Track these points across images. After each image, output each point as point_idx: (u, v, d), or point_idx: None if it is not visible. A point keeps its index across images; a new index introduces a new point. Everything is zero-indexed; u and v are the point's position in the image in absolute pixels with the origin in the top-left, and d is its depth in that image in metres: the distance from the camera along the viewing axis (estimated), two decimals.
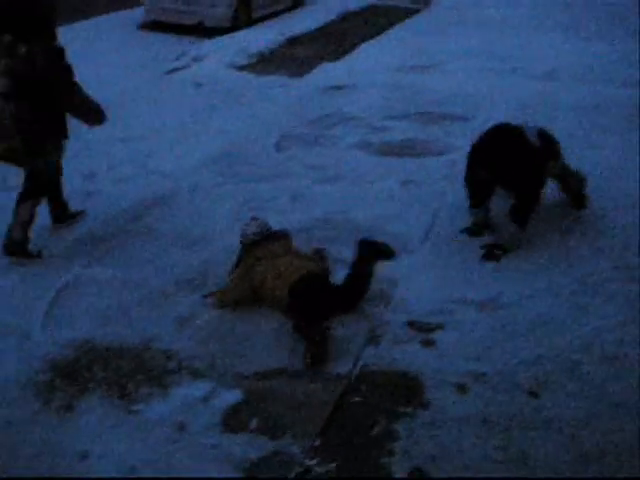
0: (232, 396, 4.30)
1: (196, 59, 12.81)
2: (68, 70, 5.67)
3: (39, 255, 5.88)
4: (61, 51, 5.63)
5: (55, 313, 5.18)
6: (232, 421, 4.11)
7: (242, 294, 5.23)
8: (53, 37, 5.69)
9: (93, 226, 6.39)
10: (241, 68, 12.17)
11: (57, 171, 6.14)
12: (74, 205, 6.52)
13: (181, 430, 4.06)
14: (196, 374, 4.50)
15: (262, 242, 5.41)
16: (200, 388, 4.38)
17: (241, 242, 5.54)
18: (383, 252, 5.45)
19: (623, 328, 4.84)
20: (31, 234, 5.87)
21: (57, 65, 5.57)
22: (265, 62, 12.74)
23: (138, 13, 16.31)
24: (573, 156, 6.63)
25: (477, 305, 5.12)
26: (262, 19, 16.64)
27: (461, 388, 4.28)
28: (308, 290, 4.95)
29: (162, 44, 14.70)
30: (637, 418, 4.06)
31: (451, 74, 11.33)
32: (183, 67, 12.33)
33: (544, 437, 3.92)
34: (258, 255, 5.30)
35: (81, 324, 5.05)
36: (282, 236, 5.59)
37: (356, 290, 5.13)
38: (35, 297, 5.34)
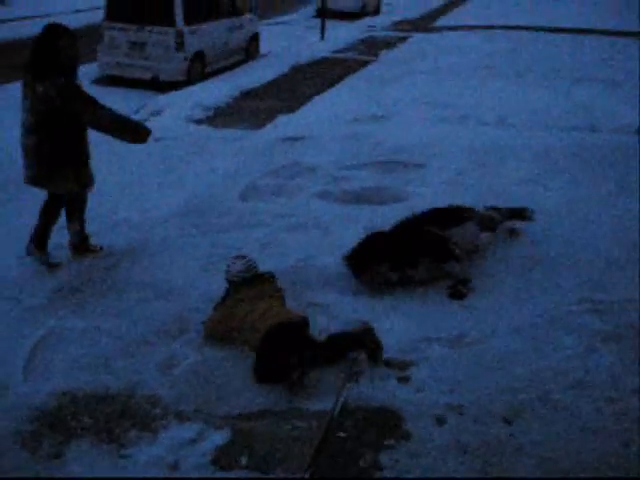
0: (220, 436, 4.42)
1: (154, 113, 13.02)
2: (87, 100, 6.26)
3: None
4: (76, 87, 6.26)
5: (35, 364, 5.25)
6: (223, 460, 4.24)
7: (223, 332, 5.41)
8: (71, 75, 6.32)
9: (67, 278, 6.49)
10: (199, 122, 12.40)
11: (76, 198, 6.78)
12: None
13: (173, 470, 4.18)
14: (182, 417, 4.62)
15: (251, 283, 5.57)
16: (188, 430, 4.49)
17: (227, 280, 5.70)
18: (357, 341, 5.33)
19: (587, 357, 5.11)
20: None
21: (74, 99, 6.19)
22: (222, 115, 12.98)
23: (91, 68, 16.45)
24: (526, 198, 6.95)
25: (446, 342, 5.35)
26: (215, 73, 16.98)
27: (439, 419, 4.49)
28: (282, 338, 5.06)
29: (118, 99, 14.79)
30: (606, 439, 4.30)
31: (404, 123, 11.67)
32: (143, 121, 12.48)
33: (520, 461, 4.14)
34: (246, 296, 5.46)
35: (62, 374, 5.13)
36: (268, 278, 5.77)
37: (333, 354, 5.20)
38: (13, 349, 5.41)
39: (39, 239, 6.75)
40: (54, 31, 6.26)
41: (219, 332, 5.45)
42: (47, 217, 6.78)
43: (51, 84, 6.06)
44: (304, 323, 5.35)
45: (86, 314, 5.91)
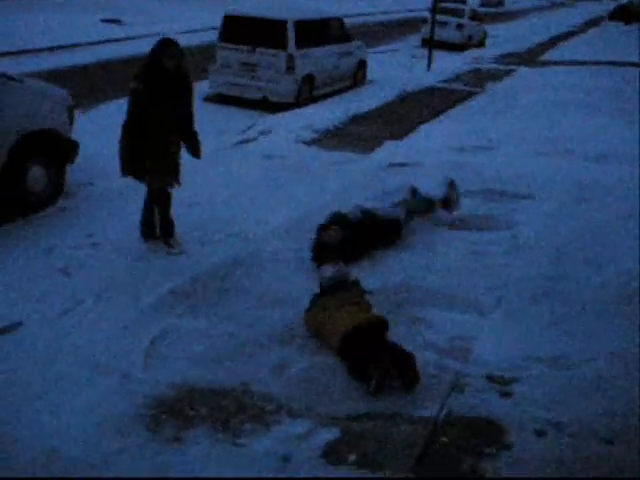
0: (330, 434, 4.67)
1: (263, 132, 13.38)
2: (128, 113, 7.06)
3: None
4: (135, 95, 6.96)
5: (153, 357, 5.58)
6: (332, 455, 4.48)
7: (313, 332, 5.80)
8: (156, 79, 6.94)
9: (182, 282, 6.83)
10: (308, 143, 12.71)
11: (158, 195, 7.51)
12: (160, 263, 7.16)
13: (285, 462, 4.43)
14: (294, 414, 4.88)
15: (337, 290, 5.90)
16: (299, 426, 4.75)
17: (320, 284, 6.04)
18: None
19: None
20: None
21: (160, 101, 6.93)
22: (330, 138, 13.28)
23: (203, 86, 16.96)
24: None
25: (547, 362, 5.52)
26: (323, 96, 17.31)
27: (540, 434, 4.66)
28: (360, 339, 5.37)
29: (228, 116, 15.37)
30: None
31: (509, 155, 11.81)
32: (252, 139, 12.90)
33: None
34: (329, 303, 5.77)
35: (179, 367, 5.43)
36: (354, 285, 6.08)
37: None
38: (133, 342, 5.76)
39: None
40: (160, 42, 6.95)
41: (314, 333, 5.80)
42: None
43: (139, 85, 6.88)
44: (381, 324, 5.61)
45: (200, 315, 6.22)
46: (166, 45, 6.90)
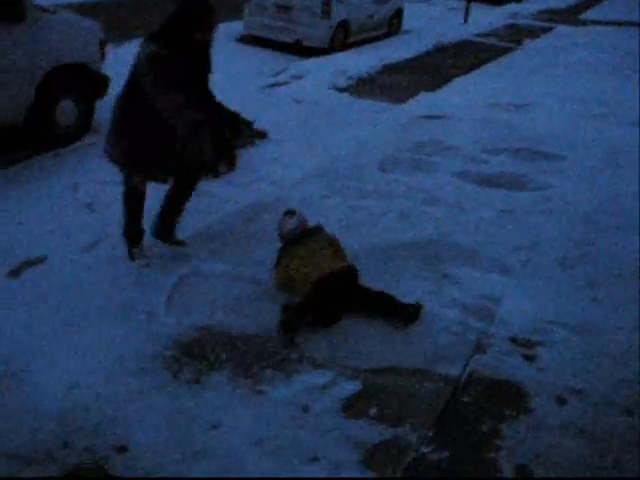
0: (351, 386, 4.66)
1: (296, 77, 13.32)
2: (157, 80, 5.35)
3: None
4: (161, 61, 5.30)
5: (176, 299, 5.58)
6: (352, 408, 4.47)
7: (286, 287, 5.71)
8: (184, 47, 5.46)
9: (207, 224, 6.82)
10: (341, 90, 12.63)
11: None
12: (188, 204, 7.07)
13: (304, 411, 4.42)
14: (316, 364, 4.88)
15: (301, 239, 5.75)
16: (321, 376, 4.74)
17: (279, 236, 5.92)
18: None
19: None
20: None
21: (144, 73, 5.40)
22: (364, 86, 13.18)
23: (236, 26, 16.84)
24: None
25: (572, 328, 5.46)
26: (358, 43, 17.15)
27: (560, 400, 4.63)
28: (332, 286, 5.38)
29: (261, 59, 15.29)
30: None
31: (544, 114, 11.63)
32: (284, 83, 12.82)
33: (638, 451, 4.25)
34: (297, 254, 5.65)
35: (201, 311, 5.43)
36: (317, 231, 5.91)
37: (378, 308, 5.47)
38: (156, 284, 5.76)
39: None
40: (198, 6, 5.41)
41: (285, 288, 5.72)
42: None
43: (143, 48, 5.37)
44: (350, 271, 5.60)
45: (225, 259, 6.20)
46: (206, 13, 5.41)
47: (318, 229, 5.93)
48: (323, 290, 5.34)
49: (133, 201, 6.05)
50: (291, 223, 5.84)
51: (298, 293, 5.51)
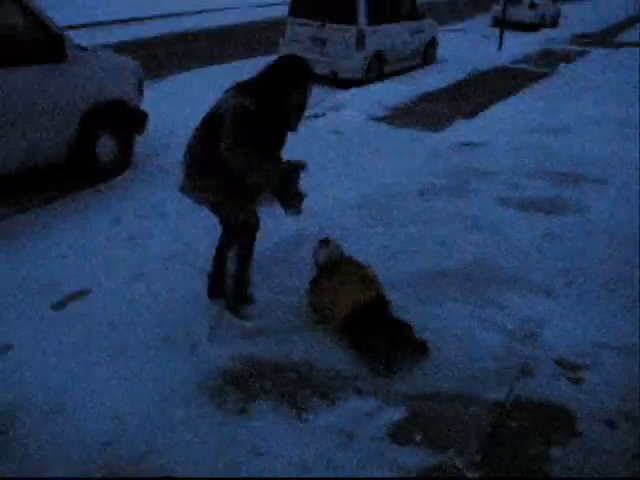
0: (396, 413, 4.63)
1: (332, 108, 13.34)
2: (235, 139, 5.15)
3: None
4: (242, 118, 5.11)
5: (219, 329, 5.59)
6: (397, 435, 4.44)
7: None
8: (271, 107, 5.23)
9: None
10: (378, 119, 12.66)
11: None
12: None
13: (349, 438, 4.39)
14: (360, 392, 4.85)
15: (334, 270, 5.68)
16: (365, 404, 4.71)
17: (315, 264, 5.88)
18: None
19: None
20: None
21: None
22: (401, 115, 13.20)
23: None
24: None
25: (618, 350, 5.40)
26: (393, 74, 17.18)
27: (610, 424, 4.56)
28: (360, 319, 5.30)
29: None
30: None
31: (583, 137, 11.60)
32: (322, 114, 12.86)
33: None
34: (329, 282, 5.62)
35: (244, 341, 5.44)
36: (348, 262, 5.83)
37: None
38: (199, 313, 5.79)
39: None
40: (295, 69, 5.20)
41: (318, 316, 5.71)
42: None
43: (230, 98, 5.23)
44: (381, 301, 5.49)
45: (265, 288, 6.19)
46: (306, 74, 5.23)
47: (348, 260, 5.86)
48: (354, 328, 5.33)
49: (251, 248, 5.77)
50: (322, 253, 5.83)
51: (332, 324, 5.53)
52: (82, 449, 4.24)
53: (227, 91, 5.35)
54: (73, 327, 5.53)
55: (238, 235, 5.65)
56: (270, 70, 5.23)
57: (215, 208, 5.63)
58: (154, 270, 6.48)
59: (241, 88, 5.25)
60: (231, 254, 5.88)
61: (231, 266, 5.87)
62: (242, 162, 5.09)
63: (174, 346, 5.33)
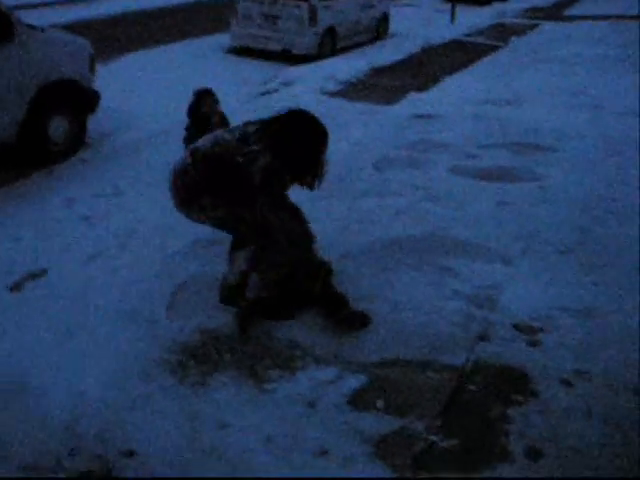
0: (357, 380, 4.65)
1: (285, 84, 13.34)
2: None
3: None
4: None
5: (178, 303, 5.58)
6: (359, 402, 4.46)
7: None
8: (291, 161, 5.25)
9: (207, 230, 6.79)
10: (332, 94, 12.66)
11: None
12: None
13: (311, 407, 4.41)
14: (320, 361, 4.87)
15: None
16: (326, 373, 4.73)
17: None
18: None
19: None
20: None
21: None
22: (354, 90, 13.22)
23: (224, 38, 16.90)
24: None
25: (574, 313, 5.47)
26: (345, 49, 17.20)
27: (566, 383, 4.62)
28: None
29: (250, 68, 15.32)
30: None
31: (535, 108, 11.70)
32: (274, 90, 12.85)
33: None
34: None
35: (204, 314, 5.42)
36: None
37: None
38: (158, 289, 5.77)
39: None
40: (312, 127, 5.40)
41: None
42: None
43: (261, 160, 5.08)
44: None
45: (222, 261, 6.12)
46: (322, 135, 5.45)
47: None
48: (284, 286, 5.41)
49: None
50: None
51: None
52: (44, 427, 4.22)
53: (245, 131, 5.22)
54: (31, 307, 5.49)
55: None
56: (292, 130, 5.19)
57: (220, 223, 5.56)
58: (111, 249, 6.46)
59: (264, 139, 5.13)
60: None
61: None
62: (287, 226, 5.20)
63: (134, 322, 5.31)
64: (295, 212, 5.32)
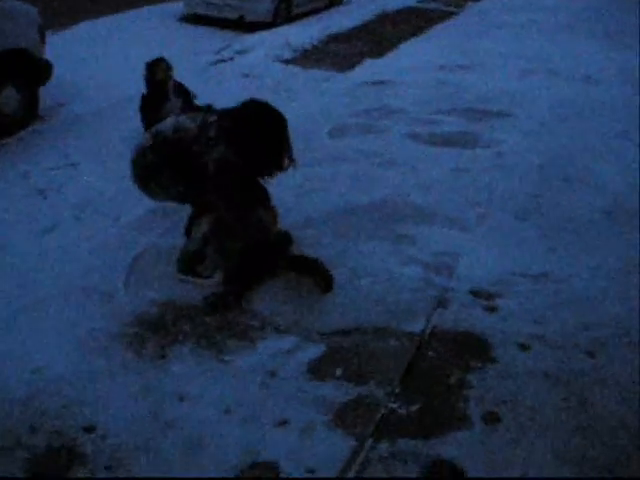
0: (316, 349, 4.67)
1: (240, 52, 13.22)
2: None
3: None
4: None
5: (134, 275, 5.55)
6: (318, 370, 4.48)
7: None
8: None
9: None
10: (287, 61, 12.58)
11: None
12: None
13: (270, 377, 4.41)
14: (279, 330, 4.88)
15: None
16: (285, 342, 4.74)
17: None
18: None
19: None
20: None
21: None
22: (309, 57, 13.14)
23: (178, 6, 16.69)
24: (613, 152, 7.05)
25: (531, 278, 5.52)
26: (300, 16, 17.07)
27: (524, 347, 4.67)
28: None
29: (204, 36, 15.14)
30: None
31: (491, 74, 11.69)
32: (229, 58, 12.73)
33: (601, 392, 4.28)
34: None
35: (161, 286, 5.39)
36: None
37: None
38: (114, 262, 5.71)
39: None
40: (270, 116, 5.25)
41: None
42: None
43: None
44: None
45: (181, 234, 6.07)
46: (278, 124, 5.28)
47: None
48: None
49: None
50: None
51: None
52: (1, 405, 4.17)
53: (206, 120, 5.19)
54: None
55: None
56: (247, 123, 5.09)
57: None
58: (67, 221, 6.39)
59: (221, 131, 5.10)
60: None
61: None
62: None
63: (91, 295, 5.26)
64: (251, 208, 5.30)
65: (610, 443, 3.89)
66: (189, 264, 5.54)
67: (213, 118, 5.18)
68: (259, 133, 5.06)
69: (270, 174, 5.37)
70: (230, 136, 5.03)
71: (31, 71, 8.80)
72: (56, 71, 9.30)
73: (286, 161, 5.32)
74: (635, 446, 3.88)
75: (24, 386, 4.31)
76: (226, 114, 5.19)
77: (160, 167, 5.20)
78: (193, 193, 5.32)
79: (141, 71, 7.97)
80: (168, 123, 5.32)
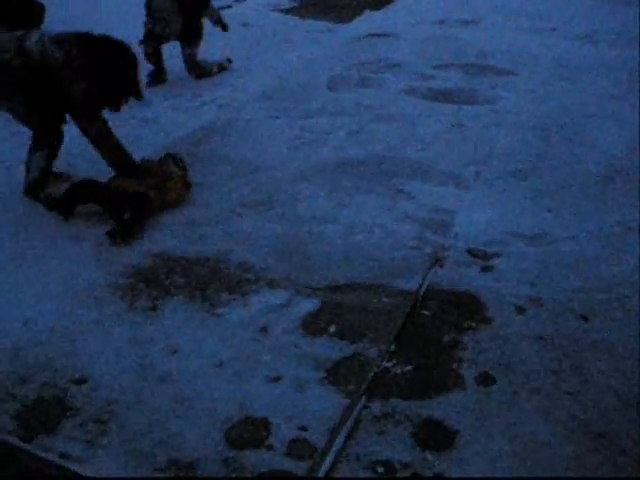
0: (310, 304, 4.63)
1: (238, 0, 13.05)
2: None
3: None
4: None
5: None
6: (312, 326, 4.44)
7: None
8: None
9: (155, 150, 6.69)
10: (285, 11, 12.47)
11: None
12: (132, 129, 6.96)
13: (263, 332, 4.38)
14: (273, 284, 4.84)
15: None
16: (278, 297, 4.70)
17: None
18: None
19: None
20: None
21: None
22: (309, 7, 13.01)
23: None
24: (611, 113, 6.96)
25: (528, 239, 5.47)
26: None
27: (519, 309, 4.63)
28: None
29: None
30: None
31: (493, 29, 11.62)
32: (227, 7, 12.56)
33: (594, 355, 4.25)
34: None
35: (155, 238, 5.38)
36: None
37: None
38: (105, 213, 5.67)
39: None
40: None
41: None
42: None
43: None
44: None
45: None
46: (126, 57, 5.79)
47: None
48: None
49: None
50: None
51: None
52: None
53: (69, 50, 5.53)
54: None
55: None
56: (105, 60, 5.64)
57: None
58: None
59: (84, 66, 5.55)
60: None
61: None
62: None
63: (82, 246, 5.24)
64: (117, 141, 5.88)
65: (601, 406, 3.86)
66: (33, 191, 5.95)
67: (76, 51, 5.48)
68: (114, 70, 5.62)
69: (117, 107, 5.84)
70: (91, 71, 5.49)
71: None
72: None
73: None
74: (625, 410, 3.86)
75: (13, 338, 4.27)
76: (89, 49, 5.55)
77: (20, 85, 5.54)
78: (38, 116, 5.77)
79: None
80: (34, 44, 5.49)
